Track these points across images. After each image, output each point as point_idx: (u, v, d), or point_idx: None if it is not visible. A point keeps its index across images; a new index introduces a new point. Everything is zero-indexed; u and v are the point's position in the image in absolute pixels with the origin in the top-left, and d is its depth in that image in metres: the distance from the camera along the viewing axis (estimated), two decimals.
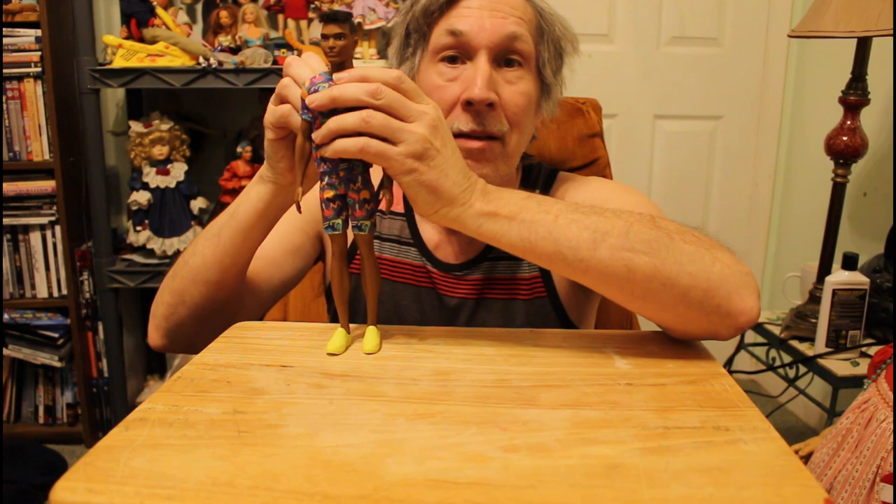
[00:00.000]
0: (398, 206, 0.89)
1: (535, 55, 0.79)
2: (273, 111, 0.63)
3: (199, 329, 0.75)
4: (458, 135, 0.76)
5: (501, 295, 0.85)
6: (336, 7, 1.82)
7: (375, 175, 0.62)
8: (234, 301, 0.77)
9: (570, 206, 0.63)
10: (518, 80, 0.77)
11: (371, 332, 0.65)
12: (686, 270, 0.60)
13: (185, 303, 0.74)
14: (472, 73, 0.75)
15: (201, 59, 1.75)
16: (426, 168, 0.59)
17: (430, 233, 0.87)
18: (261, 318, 0.98)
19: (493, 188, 0.63)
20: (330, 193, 0.61)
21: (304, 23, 1.86)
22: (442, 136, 0.60)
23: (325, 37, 0.58)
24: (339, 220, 0.62)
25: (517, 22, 0.76)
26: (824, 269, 1.64)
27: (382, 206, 0.62)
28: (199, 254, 0.73)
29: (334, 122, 0.58)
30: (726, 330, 0.63)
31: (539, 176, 0.90)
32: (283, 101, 0.62)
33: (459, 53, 0.77)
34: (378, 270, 0.66)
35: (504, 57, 0.77)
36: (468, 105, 0.75)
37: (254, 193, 0.70)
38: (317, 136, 0.59)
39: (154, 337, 0.78)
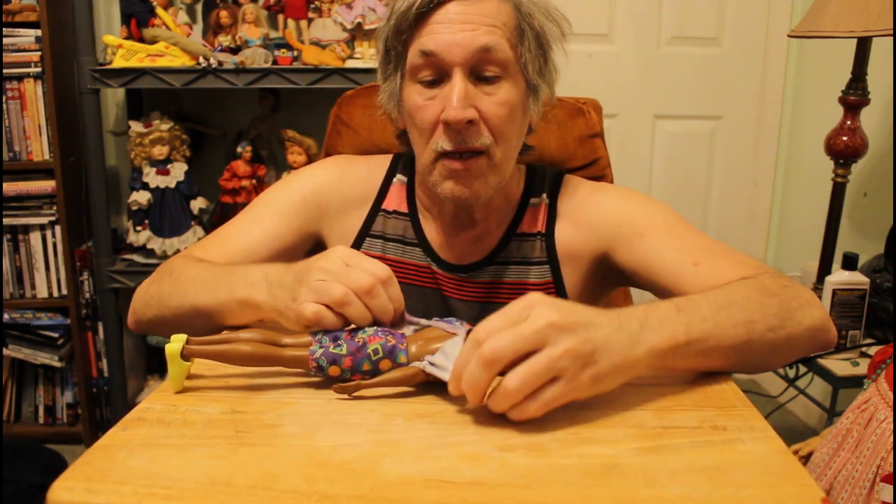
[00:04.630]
0: (402, 206, 0.89)
1: (515, 58, 0.76)
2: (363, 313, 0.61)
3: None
4: (443, 154, 0.76)
5: (509, 299, 0.83)
6: (336, 7, 1.82)
7: None
8: None
9: (710, 299, 0.62)
10: (497, 91, 0.75)
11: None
12: (804, 327, 0.66)
13: (166, 326, 0.75)
14: (449, 91, 0.74)
15: (201, 59, 1.75)
16: (592, 367, 0.53)
17: (434, 233, 0.87)
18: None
19: (645, 317, 0.58)
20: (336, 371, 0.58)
21: (304, 23, 1.86)
22: (569, 325, 0.52)
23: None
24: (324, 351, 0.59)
25: (490, 31, 0.74)
26: (824, 269, 1.64)
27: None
28: (184, 310, 0.72)
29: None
30: (812, 354, 0.70)
31: (545, 179, 0.89)
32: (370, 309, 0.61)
33: (435, 73, 0.75)
34: (243, 357, 0.59)
35: (481, 69, 0.75)
36: (448, 125, 0.74)
37: (245, 315, 0.68)
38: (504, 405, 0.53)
39: (132, 324, 0.80)
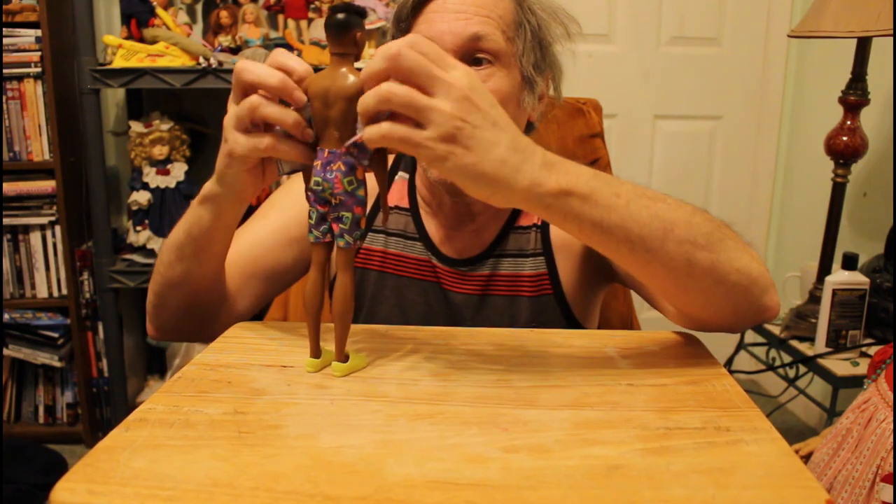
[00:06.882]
0: (403, 202, 0.90)
1: (511, 50, 0.78)
2: (241, 107, 0.57)
3: (188, 324, 0.77)
4: None
5: (506, 291, 0.85)
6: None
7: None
8: (216, 297, 0.77)
9: (636, 189, 0.59)
10: (488, 79, 0.76)
11: (352, 358, 0.61)
12: (734, 267, 0.62)
13: (167, 305, 0.75)
14: None
15: (201, 59, 1.75)
16: (462, 151, 0.52)
17: (434, 228, 0.88)
18: (261, 315, 0.98)
19: (556, 159, 0.56)
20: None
21: (304, 23, 1.86)
22: (478, 106, 0.52)
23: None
24: (324, 228, 0.58)
25: (482, 21, 0.76)
26: (824, 269, 1.64)
27: (380, 221, 0.59)
28: (165, 264, 0.72)
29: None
30: (751, 323, 0.67)
31: None
32: (249, 91, 0.57)
33: None
34: (353, 296, 0.59)
35: (472, 57, 0.76)
36: None
37: (206, 216, 0.67)
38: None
39: (150, 329, 0.80)
